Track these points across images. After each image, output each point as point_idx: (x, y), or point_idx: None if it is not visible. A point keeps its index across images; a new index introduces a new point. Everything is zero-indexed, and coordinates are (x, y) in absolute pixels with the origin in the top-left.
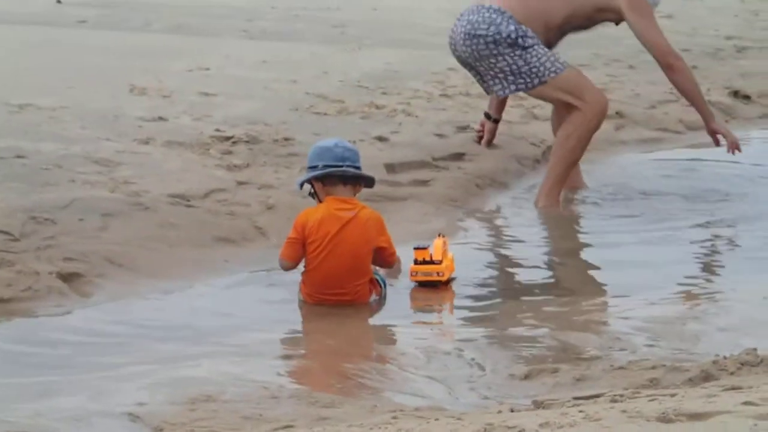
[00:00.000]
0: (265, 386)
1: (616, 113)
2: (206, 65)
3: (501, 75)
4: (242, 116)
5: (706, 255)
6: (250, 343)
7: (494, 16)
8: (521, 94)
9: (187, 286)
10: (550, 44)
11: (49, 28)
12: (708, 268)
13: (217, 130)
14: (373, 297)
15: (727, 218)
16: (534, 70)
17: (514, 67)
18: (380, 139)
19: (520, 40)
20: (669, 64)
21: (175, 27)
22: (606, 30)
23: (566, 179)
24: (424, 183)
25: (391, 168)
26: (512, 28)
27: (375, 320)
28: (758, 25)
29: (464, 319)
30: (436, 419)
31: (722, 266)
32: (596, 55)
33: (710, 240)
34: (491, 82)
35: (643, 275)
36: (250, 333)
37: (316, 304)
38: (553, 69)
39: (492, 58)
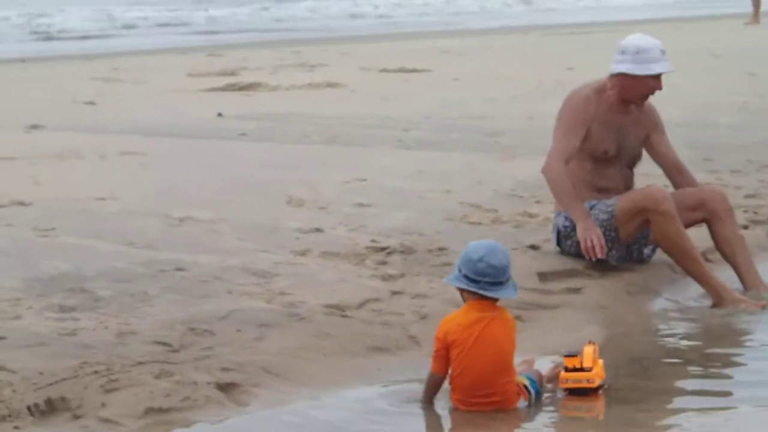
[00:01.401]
0: None
1: None
2: (362, 176)
3: None
4: (397, 227)
5: None
6: None
7: None
8: None
9: (340, 394)
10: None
11: (209, 140)
12: None
13: (373, 240)
14: (522, 402)
15: None
16: None
17: None
18: (533, 247)
19: None
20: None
21: (332, 138)
22: (759, 135)
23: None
24: (575, 291)
25: (543, 277)
26: None
27: (525, 428)
28: None
29: (614, 425)
30: None
31: None
32: (749, 162)
33: None
34: None
35: None
36: None
37: (468, 410)
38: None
39: None
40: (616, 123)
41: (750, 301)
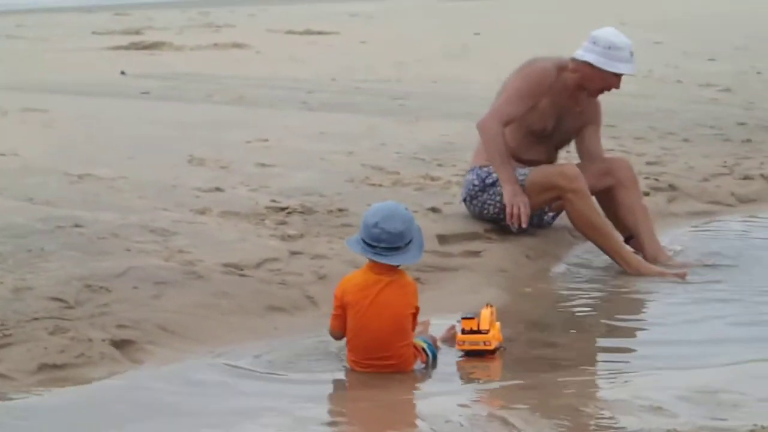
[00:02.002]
0: None
1: (669, 186)
2: (265, 137)
3: None
4: (298, 187)
5: (750, 325)
6: (297, 409)
7: None
8: None
9: (236, 352)
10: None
11: (112, 99)
12: (751, 340)
13: (273, 200)
14: (419, 365)
15: None
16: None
17: None
18: (434, 210)
19: None
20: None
21: (236, 99)
22: (662, 103)
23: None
24: (475, 254)
25: (443, 239)
26: None
27: (420, 389)
28: None
29: (509, 388)
30: None
31: (765, 339)
32: (651, 128)
33: (755, 311)
34: None
35: (687, 345)
36: (298, 399)
37: (364, 371)
38: None
39: None
40: (563, 105)
41: (669, 272)
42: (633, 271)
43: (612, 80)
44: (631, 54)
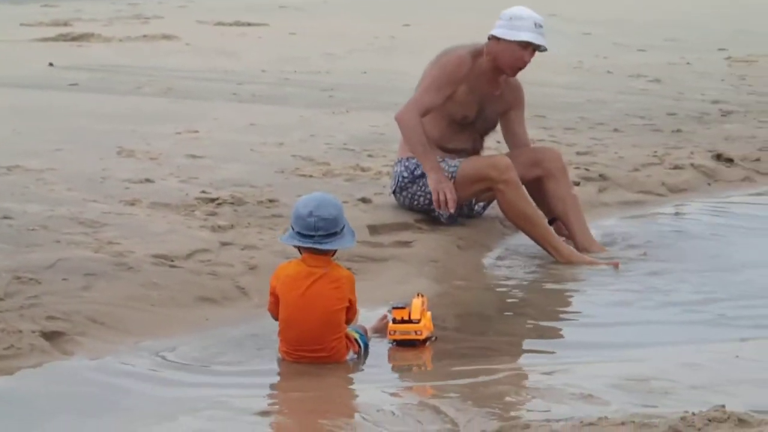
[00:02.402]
0: None
1: (600, 176)
2: (195, 128)
3: None
4: (228, 179)
5: (681, 313)
6: (229, 399)
7: None
8: None
9: (167, 344)
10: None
11: (40, 91)
12: (682, 327)
13: (203, 192)
14: (351, 355)
15: (703, 280)
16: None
17: None
18: (364, 200)
19: None
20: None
21: (165, 90)
22: (592, 94)
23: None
24: (406, 244)
25: (374, 229)
26: None
27: (352, 378)
28: (744, 89)
29: (440, 376)
30: None
31: (696, 325)
32: (582, 119)
33: (686, 299)
34: None
35: (619, 333)
36: (229, 390)
37: (295, 362)
38: None
39: None
40: (483, 91)
41: (600, 261)
42: (564, 260)
43: (519, 52)
44: (537, 25)
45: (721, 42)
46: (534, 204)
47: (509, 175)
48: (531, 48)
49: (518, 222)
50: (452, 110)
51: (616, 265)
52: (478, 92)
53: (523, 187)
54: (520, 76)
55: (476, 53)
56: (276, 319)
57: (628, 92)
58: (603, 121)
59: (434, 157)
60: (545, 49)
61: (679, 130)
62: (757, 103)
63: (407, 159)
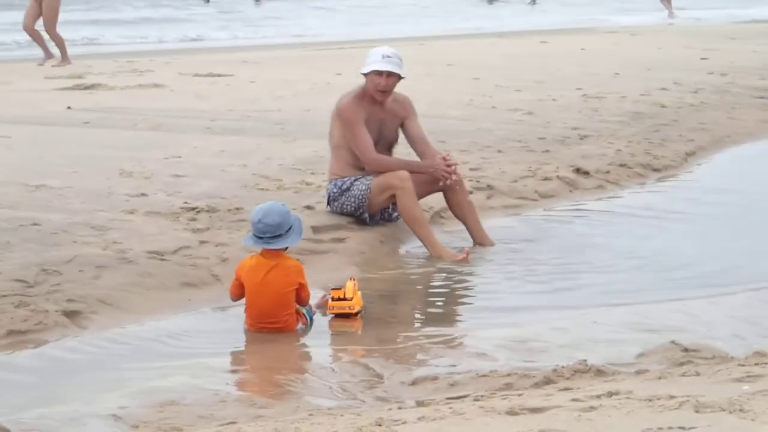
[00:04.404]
0: (216, 393)
1: (487, 186)
2: (178, 154)
3: None
4: (204, 192)
5: (551, 288)
6: (206, 360)
7: None
8: None
9: (159, 319)
10: None
11: (61, 127)
12: (551, 299)
13: (185, 202)
14: (300, 326)
15: (566, 261)
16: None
17: None
18: (308, 207)
19: None
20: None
21: (155, 126)
22: (481, 124)
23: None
24: (341, 240)
25: (316, 229)
26: None
27: (301, 343)
28: (596, 118)
29: (369, 340)
30: (341, 415)
31: (562, 297)
32: (473, 143)
33: (553, 276)
34: None
35: (504, 305)
36: (206, 353)
37: (257, 332)
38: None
39: None
40: (375, 116)
41: (458, 255)
42: (436, 255)
43: (376, 79)
44: (384, 56)
45: (577, 83)
46: (421, 209)
47: (406, 184)
48: (384, 74)
49: (408, 221)
50: None
51: (466, 254)
52: (373, 119)
53: (415, 196)
54: (416, 96)
55: (359, 93)
56: (234, 300)
57: (508, 122)
58: (489, 144)
59: (412, 160)
60: (397, 74)
61: (547, 150)
62: (606, 128)
63: (336, 179)
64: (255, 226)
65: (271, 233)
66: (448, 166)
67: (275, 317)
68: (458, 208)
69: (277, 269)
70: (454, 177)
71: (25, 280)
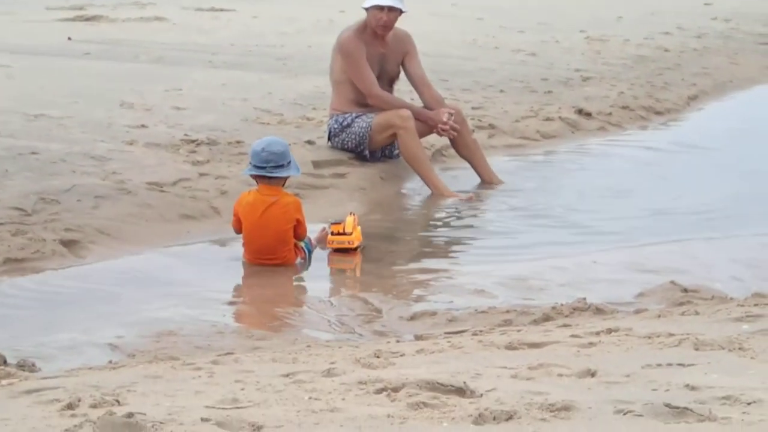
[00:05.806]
0: (214, 324)
1: (489, 125)
2: (179, 87)
3: None
4: (205, 125)
5: (551, 227)
6: (204, 292)
7: None
8: None
9: (158, 250)
10: None
11: (61, 58)
12: (552, 238)
13: (186, 135)
14: (299, 260)
15: (567, 201)
16: None
17: None
18: (309, 142)
19: None
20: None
21: (157, 59)
22: (484, 64)
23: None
24: (341, 176)
25: (316, 164)
26: None
27: (299, 276)
28: (599, 61)
29: (368, 275)
30: (339, 347)
31: (563, 236)
32: (476, 82)
33: (554, 215)
34: None
35: (504, 242)
36: (204, 285)
37: (256, 264)
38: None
39: None
40: (376, 51)
41: (461, 195)
42: (437, 193)
43: (378, 14)
44: None
45: (581, 25)
46: (423, 148)
47: (408, 124)
48: (386, 9)
49: (409, 160)
50: None
51: (470, 199)
52: (374, 54)
53: (417, 135)
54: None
55: (360, 27)
56: (237, 233)
57: (510, 63)
58: (492, 84)
59: (416, 106)
60: (398, 9)
61: (550, 92)
62: (609, 71)
63: (337, 114)
64: (258, 156)
65: (275, 162)
66: (451, 127)
67: (274, 253)
68: (464, 149)
69: (275, 206)
70: (453, 133)
71: (23, 208)
